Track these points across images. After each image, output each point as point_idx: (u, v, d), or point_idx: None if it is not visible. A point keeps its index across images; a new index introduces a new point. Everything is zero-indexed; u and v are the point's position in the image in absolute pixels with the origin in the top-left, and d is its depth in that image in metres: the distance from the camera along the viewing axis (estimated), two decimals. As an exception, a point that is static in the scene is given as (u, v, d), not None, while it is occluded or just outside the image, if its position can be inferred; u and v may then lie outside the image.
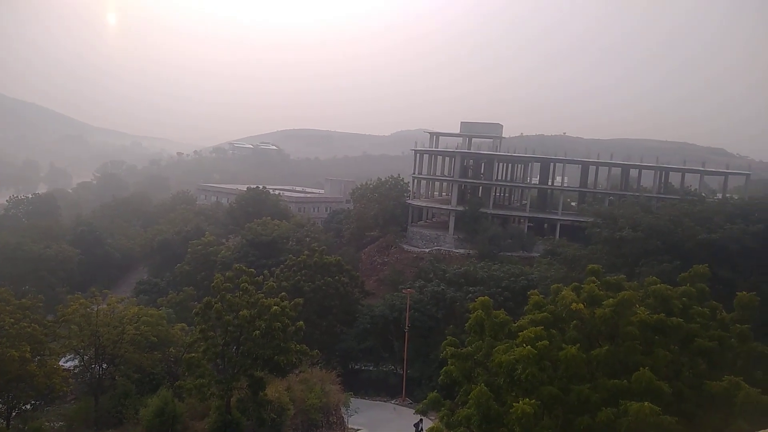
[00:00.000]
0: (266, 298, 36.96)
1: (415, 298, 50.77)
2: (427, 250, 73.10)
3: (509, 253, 66.49)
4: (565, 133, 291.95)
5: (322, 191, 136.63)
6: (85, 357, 32.01)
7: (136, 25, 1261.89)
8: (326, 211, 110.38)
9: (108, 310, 33.83)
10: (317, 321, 48.94)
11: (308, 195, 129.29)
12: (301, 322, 36.66)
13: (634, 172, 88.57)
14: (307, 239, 70.97)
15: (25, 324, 30.17)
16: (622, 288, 19.55)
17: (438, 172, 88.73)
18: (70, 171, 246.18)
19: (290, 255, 58.12)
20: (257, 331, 34.14)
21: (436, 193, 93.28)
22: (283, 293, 40.03)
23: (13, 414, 30.04)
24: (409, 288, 52.62)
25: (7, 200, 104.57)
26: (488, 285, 51.55)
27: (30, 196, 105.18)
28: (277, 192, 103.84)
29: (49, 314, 39.10)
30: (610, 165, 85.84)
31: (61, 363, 32.16)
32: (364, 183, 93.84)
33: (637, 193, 74.19)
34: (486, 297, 20.34)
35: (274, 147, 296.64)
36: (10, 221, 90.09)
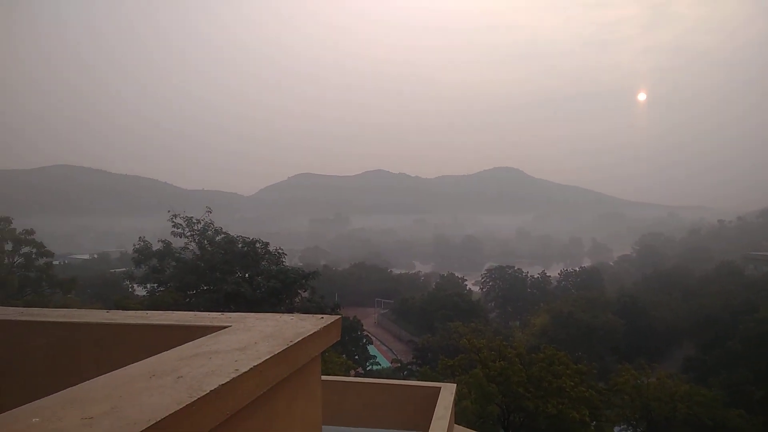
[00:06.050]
0: None
1: None
2: None
3: None
4: None
5: None
6: (638, 429, 32.63)
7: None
8: None
9: (657, 384, 33.78)
10: None
11: None
12: None
13: None
14: None
15: (583, 389, 33.22)
16: None
17: None
18: (610, 245, 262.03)
19: None
20: None
21: None
22: None
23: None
24: None
25: (558, 273, 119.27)
26: None
27: (577, 269, 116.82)
28: None
29: (599, 381, 41.76)
30: None
31: (615, 430, 33.71)
32: None
33: None
34: None
35: None
36: (562, 292, 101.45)
